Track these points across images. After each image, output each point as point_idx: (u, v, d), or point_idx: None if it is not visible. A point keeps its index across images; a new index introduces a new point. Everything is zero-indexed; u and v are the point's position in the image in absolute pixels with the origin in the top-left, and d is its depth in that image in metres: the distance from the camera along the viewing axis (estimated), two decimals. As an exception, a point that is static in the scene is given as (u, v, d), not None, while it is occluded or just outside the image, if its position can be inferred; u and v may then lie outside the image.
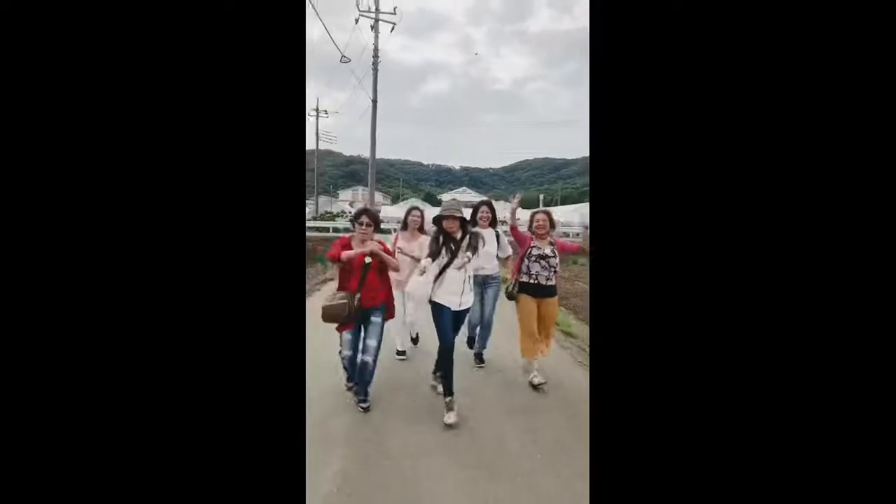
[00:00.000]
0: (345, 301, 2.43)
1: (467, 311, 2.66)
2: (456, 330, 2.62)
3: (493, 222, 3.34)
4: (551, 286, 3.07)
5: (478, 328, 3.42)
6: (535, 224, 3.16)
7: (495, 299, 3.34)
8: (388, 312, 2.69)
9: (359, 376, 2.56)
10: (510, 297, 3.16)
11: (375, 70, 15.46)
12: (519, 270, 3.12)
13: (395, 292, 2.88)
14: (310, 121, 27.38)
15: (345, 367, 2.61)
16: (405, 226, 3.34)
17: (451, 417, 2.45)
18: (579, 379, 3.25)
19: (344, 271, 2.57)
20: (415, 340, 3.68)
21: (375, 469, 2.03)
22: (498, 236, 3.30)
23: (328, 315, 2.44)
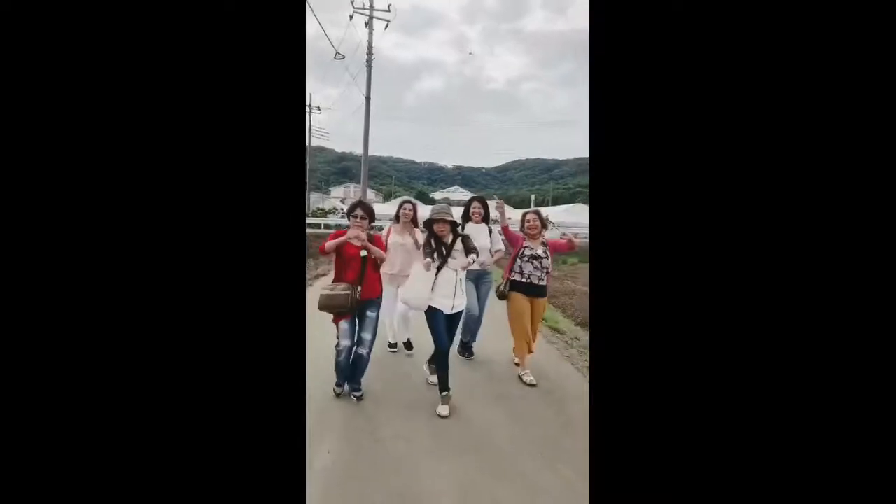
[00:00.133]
0: (347, 293, 2.47)
1: (460, 314, 2.69)
2: (451, 333, 2.66)
3: (486, 217, 3.36)
4: (543, 286, 3.11)
5: (469, 325, 3.40)
6: (526, 224, 3.19)
7: (487, 296, 3.37)
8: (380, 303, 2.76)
9: (353, 367, 2.62)
10: (501, 296, 3.19)
11: (369, 67, 15.43)
12: (511, 270, 3.14)
13: (387, 287, 2.94)
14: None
15: (337, 364, 2.59)
16: (397, 218, 3.37)
17: (444, 410, 2.54)
18: (565, 372, 3.36)
19: (340, 263, 2.60)
20: (408, 345, 3.62)
21: (367, 452, 2.11)
22: (490, 231, 3.32)
23: (328, 305, 2.49)
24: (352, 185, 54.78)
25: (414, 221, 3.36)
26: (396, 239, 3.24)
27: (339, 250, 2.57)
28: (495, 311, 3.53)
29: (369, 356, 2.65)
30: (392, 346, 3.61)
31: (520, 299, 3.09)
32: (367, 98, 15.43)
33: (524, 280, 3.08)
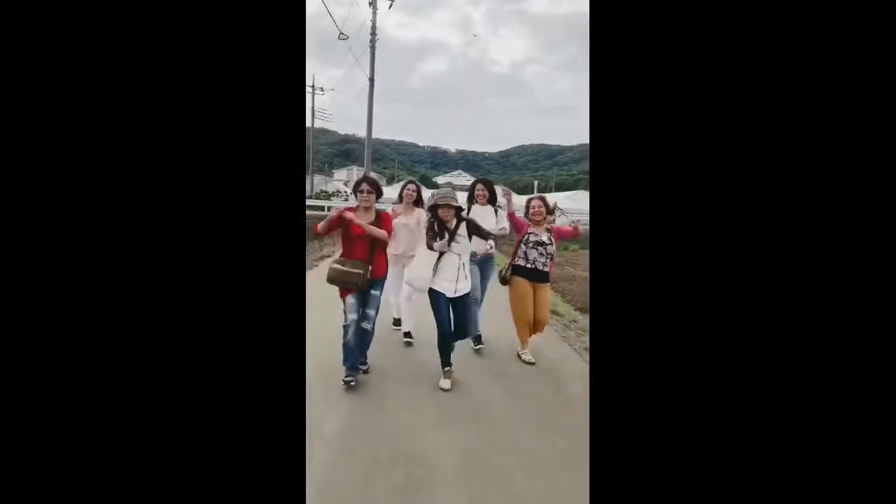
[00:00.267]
0: (360, 271, 2.52)
1: (463, 297, 2.69)
2: (456, 315, 2.70)
3: (492, 199, 3.33)
4: (546, 272, 3.13)
5: (477, 311, 3.31)
6: (531, 210, 3.18)
7: (489, 280, 3.39)
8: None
9: (359, 342, 2.67)
10: (503, 281, 3.21)
11: (373, 48, 15.24)
12: (515, 255, 3.16)
13: (393, 268, 3.01)
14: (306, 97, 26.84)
15: (346, 343, 2.57)
16: (400, 199, 3.35)
17: (446, 384, 2.67)
18: (563, 352, 3.49)
19: (348, 241, 2.63)
20: (408, 335, 3.52)
21: (374, 420, 2.24)
22: (496, 212, 3.27)
23: (340, 280, 2.53)
24: (355, 168, 54.45)
25: (416, 203, 3.33)
26: (401, 220, 3.22)
27: (346, 229, 2.58)
28: (498, 297, 3.60)
29: (373, 331, 2.74)
30: (397, 322, 3.70)
31: (522, 284, 3.12)
32: (371, 80, 15.28)
33: (528, 266, 3.10)
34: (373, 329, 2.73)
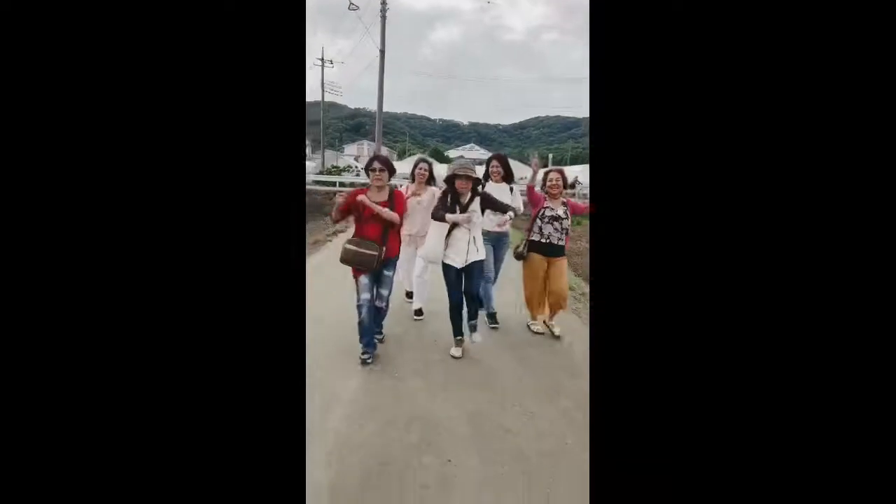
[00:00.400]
0: (375, 253, 2.51)
1: (471, 266, 2.70)
2: (470, 283, 2.73)
3: (508, 177, 3.23)
4: (561, 246, 3.08)
5: (491, 290, 3.34)
6: (548, 183, 3.10)
7: (503, 259, 3.36)
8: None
9: (373, 319, 2.73)
10: (519, 256, 3.17)
11: (383, 17, 14.84)
12: (531, 230, 3.12)
13: (406, 248, 3.06)
14: (314, 71, 26.60)
15: (360, 322, 2.62)
16: (413, 178, 3.32)
17: (457, 352, 2.79)
18: (571, 323, 3.56)
19: (360, 221, 2.61)
20: (418, 312, 3.54)
21: (388, 385, 2.38)
22: (511, 190, 3.18)
23: (353, 261, 2.53)
24: (365, 143, 54.11)
25: (430, 181, 3.28)
26: (414, 198, 3.20)
27: (358, 210, 2.57)
28: (512, 274, 3.59)
29: (388, 307, 2.82)
30: (409, 294, 3.78)
31: (536, 260, 3.10)
32: (382, 52, 14.96)
33: (543, 241, 3.06)
34: (387, 306, 2.79)
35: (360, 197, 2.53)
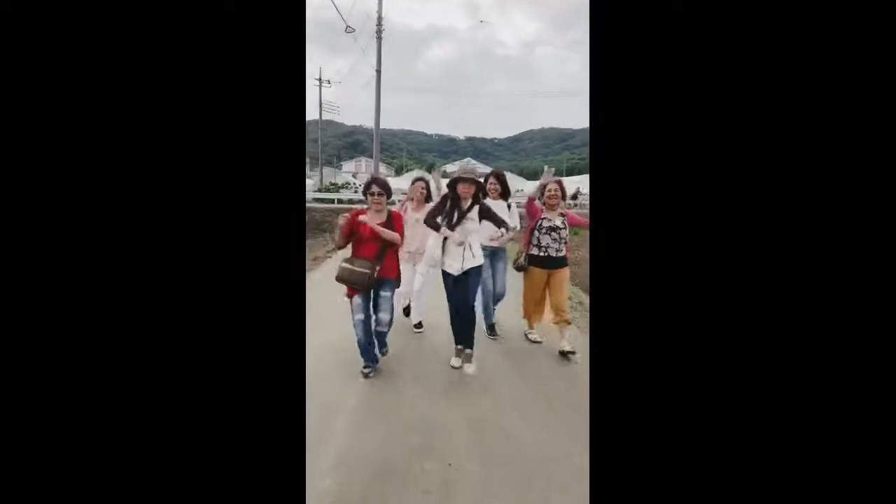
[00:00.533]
0: (367, 272, 2.51)
1: (472, 271, 2.70)
2: (468, 290, 2.72)
3: (505, 194, 3.25)
4: (561, 257, 3.08)
5: (490, 302, 3.38)
6: (546, 194, 3.08)
7: (505, 271, 3.37)
8: (397, 285, 2.81)
9: (377, 340, 2.78)
10: (519, 268, 3.18)
11: (379, 39, 15.23)
12: (529, 243, 3.12)
13: (405, 265, 3.06)
14: (312, 91, 27.12)
15: (359, 340, 2.65)
16: (410, 197, 3.36)
17: (456, 361, 2.86)
18: (568, 332, 3.63)
19: (356, 241, 2.62)
20: (418, 326, 3.60)
21: (390, 391, 2.45)
22: (509, 207, 3.20)
23: (346, 279, 2.56)
24: (363, 160, 54.70)
25: (427, 200, 3.29)
26: (413, 216, 3.20)
27: (356, 231, 2.57)
28: (514, 284, 3.62)
29: (389, 329, 2.81)
30: (406, 312, 3.76)
31: (536, 274, 3.11)
32: (378, 71, 15.30)
33: (542, 254, 3.06)
34: (389, 328, 2.76)
35: (362, 217, 2.53)
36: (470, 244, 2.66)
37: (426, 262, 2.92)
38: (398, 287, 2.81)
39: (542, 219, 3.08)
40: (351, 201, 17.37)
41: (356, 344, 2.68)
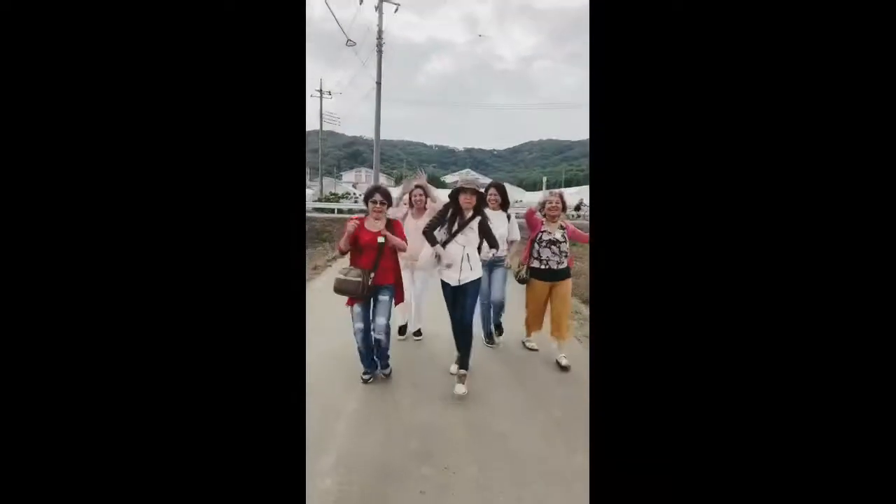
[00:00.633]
0: (359, 280, 2.53)
1: (470, 285, 2.69)
2: (466, 302, 2.69)
3: (504, 205, 3.28)
4: (564, 269, 3.08)
5: (491, 314, 3.42)
6: (547, 206, 3.09)
7: (504, 280, 3.36)
8: (397, 295, 2.78)
9: (377, 351, 2.75)
10: (521, 281, 3.19)
11: (379, 52, 15.50)
12: (529, 255, 3.13)
13: (403, 272, 3.02)
14: (313, 102, 27.47)
15: (359, 348, 2.69)
16: (411, 205, 3.37)
17: (454, 367, 2.89)
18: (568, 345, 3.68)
19: (355, 249, 2.64)
20: (417, 333, 3.62)
21: (389, 396, 2.50)
22: (508, 218, 3.22)
23: (341, 289, 2.57)
24: (363, 170, 55.11)
25: (425, 206, 3.32)
26: (412, 223, 3.22)
27: (355, 238, 2.60)
28: (515, 296, 3.65)
29: (388, 339, 2.74)
30: (402, 331, 3.68)
31: (537, 287, 3.12)
32: (378, 83, 15.54)
33: (543, 266, 3.07)
34: (387, 337, 2.72)
35: (368, 225, 2.57)
36: (468, 255, 2.66)
37: (421, 266, 2.93)
38: (396, 297, 2.79)
39: (542, 231, 3.10)
40: (351, 211, 17.48)
41: (356, 351, 2.73)
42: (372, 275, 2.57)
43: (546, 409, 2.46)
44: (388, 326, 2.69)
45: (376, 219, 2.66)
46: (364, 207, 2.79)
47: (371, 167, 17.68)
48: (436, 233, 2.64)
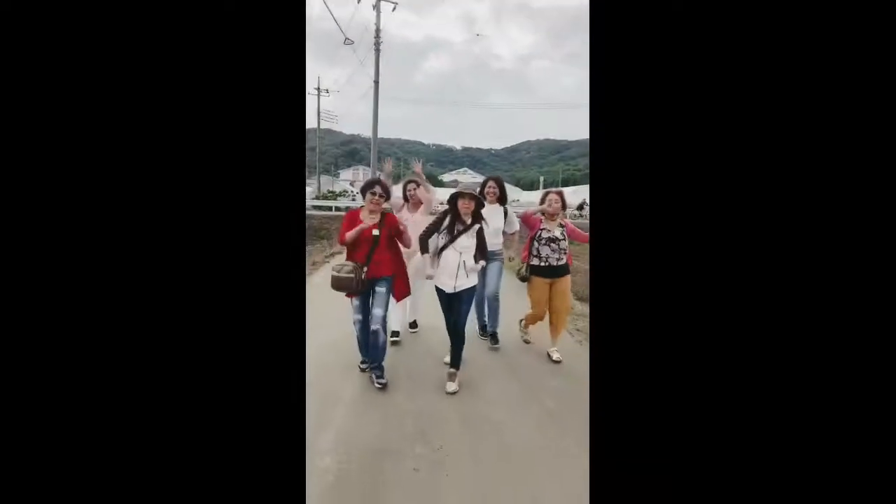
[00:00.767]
0: (352, 275, 2.54)
1: (465, 292, 2.68)
2: (461, 309, 2.69)
3: (502, 199, 3.31)
4: (563, 265, 3.13)
5: (485, 307, 3.44)
6: (548, 202, 3.13)
7: (499, 276, 3.37)
8: (398, 288, 2.77)
9: (372, 347, 2.69)
10: (522, 279, 3.23)
11: (377, 51, 15.55)
12: (529, 253, 3.17)
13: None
14: (311, 100, 27.45)
15: (357, 337, 2.76)
16: (406, 199, 3.37)
17: (447, 359, 2.97)
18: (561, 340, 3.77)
19: (353, 245, 2.65)
20: (413, 325, 3.67)
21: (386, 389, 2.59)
22: (506, 212, 3.26)
23: (337, 286, 2.59)
24: (361, 168, 55.05)
25: (420, 200, 3.34)
26: (408, 217, 3.25)
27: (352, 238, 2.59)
28: (512, 296, 3.73)
29: (385, 332, 2.72)
30: (394, 334, 3.64)
31: (539, 284, 3.16)
32: (376, 82, 15.58)
33: (542, 264, 3.11)
34: (384, 330, 2.70)
35: (368, 220, 2.57)
36: (464, 262, 2.63)
37: (416, 267, 2.98)
38: (397, 289, 2.80)
39: (542, 229, 3.14)
40: (349, 209, 17.45)
41: (356, 341, 2.81)
42: (365, 269, 2.59)
43: (539, 399, 2.55)
44: (384, 318, 2.68)
45: (372, 211, 2.65)
46: (361, 203, 2.79)
47: (369, 165, 17.72)
48: (431, 239, 2.63)
